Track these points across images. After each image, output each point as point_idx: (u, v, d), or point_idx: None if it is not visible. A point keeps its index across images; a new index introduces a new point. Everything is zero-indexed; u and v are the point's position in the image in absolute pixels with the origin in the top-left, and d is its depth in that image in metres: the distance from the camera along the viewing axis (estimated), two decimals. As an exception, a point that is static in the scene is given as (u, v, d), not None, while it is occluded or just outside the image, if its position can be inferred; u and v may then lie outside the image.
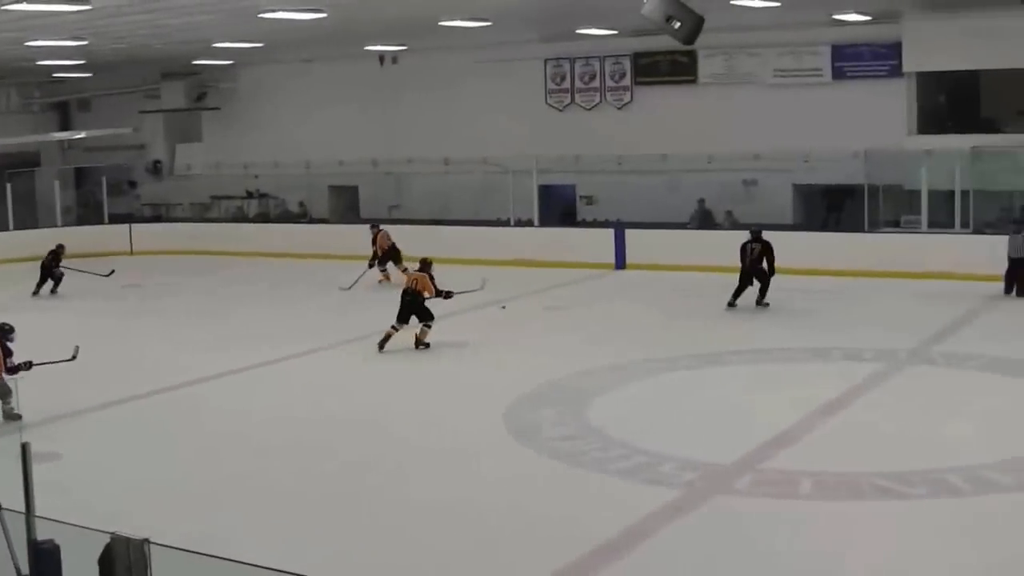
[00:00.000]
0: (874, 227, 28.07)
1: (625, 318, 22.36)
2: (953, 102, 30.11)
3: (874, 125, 28.11)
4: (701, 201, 30.48)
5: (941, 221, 27.83)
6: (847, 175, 28.53)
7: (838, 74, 30.05)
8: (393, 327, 19.45)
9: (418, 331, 19.54)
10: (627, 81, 32.93)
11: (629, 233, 29.03)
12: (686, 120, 31.11)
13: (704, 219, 30.41)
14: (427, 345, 19.51)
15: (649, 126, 31.74)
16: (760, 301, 22.33)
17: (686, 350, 18.94)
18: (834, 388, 16.11)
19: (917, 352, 18.40)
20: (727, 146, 30.17)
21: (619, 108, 33.10)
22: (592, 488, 12.60)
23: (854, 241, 26.31)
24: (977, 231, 27.13)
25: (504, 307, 22.53)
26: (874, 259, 25.39)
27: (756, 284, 22.36)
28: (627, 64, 32.78)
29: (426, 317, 19.52)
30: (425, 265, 20.16)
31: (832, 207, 30.39)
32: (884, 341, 19.08)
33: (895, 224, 28.24)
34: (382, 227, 27.98)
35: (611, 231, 29.43)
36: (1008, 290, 23.23)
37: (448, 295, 20.20)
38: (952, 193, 27.64)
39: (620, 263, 28.72)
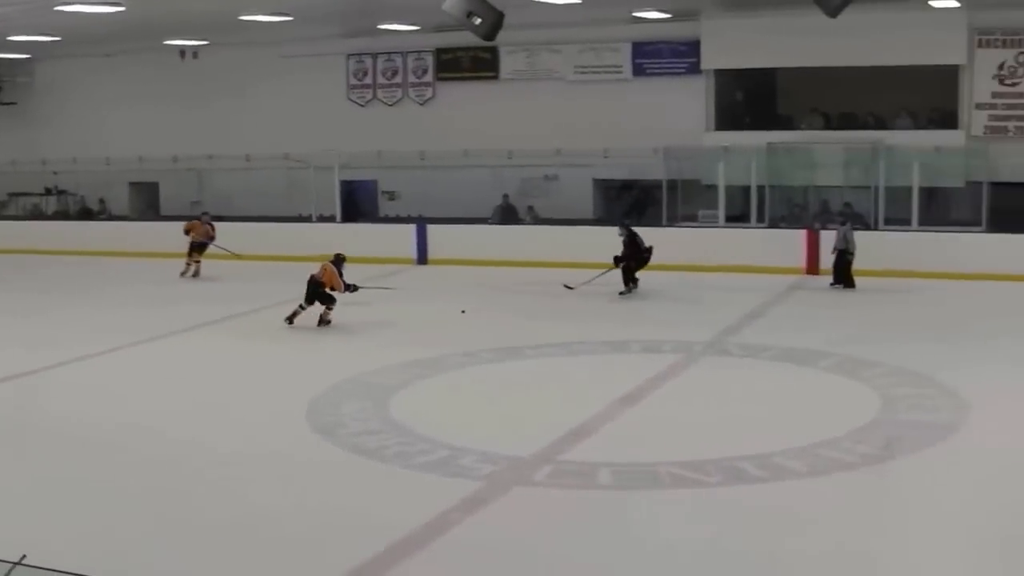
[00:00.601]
0: (672, 221, 28.59)
1: (426, 313, 22.28)
2: (750, 99, 30.88)
3: (673, 121, 28.67)
4: (505, 196, 30.63)
5: (738, 215, 28.48)
6: (647, 170, 28.95)
7: (638, 71, 30.53)
8: (301, 306, 20.68)
9: (322, 311, 20.61)
10: (429, 77, 32.96)
11: (431, 228, 29.00)
12: (488, 116, 31.26)
13: (506, 214, 30.55)
14: (328, 322, 20.62)
15: (451, 122, 31.81)
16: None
17: (487, 344, 18.95)
18: (632, 380, 16.26)
19: (713, 344, 18.76)
20: (529, 142, 30.35)
21: (421, 104, 33.11)
22: (394, 482, 12.48)
23: (653, 235, 26.66)
24: (772, 225, 27.84)
25: (464, 312, 21.80)
26: (672, 253, 25.74)
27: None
28: (429, 60, 32.82)
29: (327, 301, 20.60)
30: (338, 260, 20.84)
31: (637, 203, 30.83)
32: (682, 333, 19.40)
33: (693, 218, 28.79)
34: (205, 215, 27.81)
35: (412, 226, 29.37)
36: (836, 281, 23.91)
37: (353, 289, 20.79)
38: (748, 188, 28.30)
39: (421, 258, 28.67)
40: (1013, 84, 27.83)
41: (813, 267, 25.03)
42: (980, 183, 27.71)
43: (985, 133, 28.12)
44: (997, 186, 27.81)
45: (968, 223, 27.39)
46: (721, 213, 28.50)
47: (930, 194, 28.40)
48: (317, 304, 20.64)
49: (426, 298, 23.91)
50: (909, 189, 27.59)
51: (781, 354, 17.99)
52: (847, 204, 28.29)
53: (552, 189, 30.88)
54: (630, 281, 23.04)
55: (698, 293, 23.26)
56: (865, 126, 29.49)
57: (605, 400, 15.17)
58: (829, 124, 29.93)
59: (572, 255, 25.41)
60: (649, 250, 23.09)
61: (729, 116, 30.06)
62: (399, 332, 20.38)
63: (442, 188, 31.04)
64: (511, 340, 19.23)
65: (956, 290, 23.53)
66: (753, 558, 10.21)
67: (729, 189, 28.69)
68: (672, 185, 28.98)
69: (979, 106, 28.20)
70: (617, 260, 23.01)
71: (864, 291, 23.33)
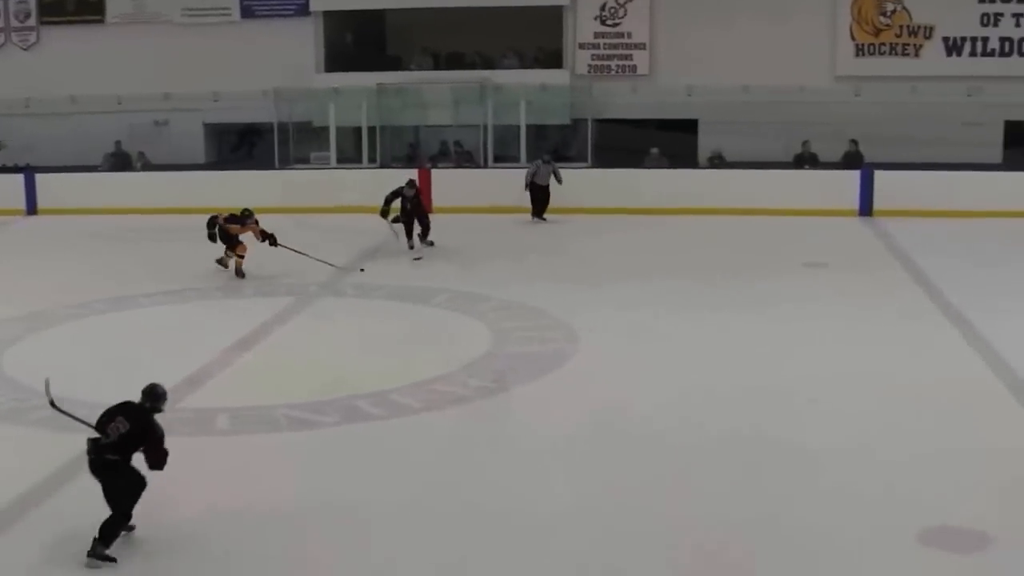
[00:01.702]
0: (285, 164, 28.55)
1: (37, 265, 21.55)
2: (359, 40, 31.07)
3: (283, 63, 28.54)
4: (117, 143, 29.73)
5: (350, 156, 28.68)
6: (257, 114, 28.75)
7: (247, 12, 30.22)
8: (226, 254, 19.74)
9: (234, 260, 19.67)
10: (32, 21, 31.57)
11: (40, 178, 27.90)
12: (95, 61, 30.16)
13: (119, 161, 29.71)
14: (242, 275, 19.61)
15: (58, 67, 30.52)
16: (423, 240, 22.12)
17: (100, 294, 18.50)
18: (247, 325, 16.33)
19: (328, 285, 18.93)
20: (138, 86, 29.57)
21: (25, 49, 31.67)
22: (8, 440, 12.16)
23: (264, 179, 26.60)
24: (384, 165, 28.17)
25: (363, 270, 20.18)
26: (286, 196, 25.74)
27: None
28: (32, 3, 31.43)
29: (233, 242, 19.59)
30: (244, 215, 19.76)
31: (241, 145, 30.59)
32: (296, 276, 19.45)
33: (305, 160, 28.83)
34: None
35: (20, 176, 28.20)
36: (536, 214, 24.87)
37: (272, 241, 19.65)
38: (360, 129, 28.52)
39: (31, 208, 27.59)
40: (614, 24, 29.06)
41: (427, 205, 25.40)
42: (585, 120, 28.86)
43: (589, 72, 29.29)
44: (601, 123, 29.06)
45: (574, 159, 28.49)
46: (333, 155, 28.64)
47: (537, 131, 29.34)
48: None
49: (36, 250, 23.15)
50: (517, 127, 28.42)
51: (394, 292, 18.35)
52: (457, 143, 28.95)
53: (163, 135, 30.21)
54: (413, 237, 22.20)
55: (313, 235, 23.23)
56: (473, 66, 30.15)
57: (220, 346, 15.17)
58: (438, 64, 30.47)
59: (184, 201, 25.12)
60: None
61: (339, 57, 30.14)
62: (6, 284, 19.61)
63: (50, 136, 29.82)
64: (125, 290, 18.83)
65: (569, 225, 24.64)
66: (370, 494, 10.49)
67: (341, 131, 28.85)
68: (283, 128, 28.89)
69: (582, 46, 29.31)
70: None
71: (475, 228, 23.97)
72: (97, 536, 9.09)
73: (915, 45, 28.38)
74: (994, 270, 19.61)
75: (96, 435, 9.29)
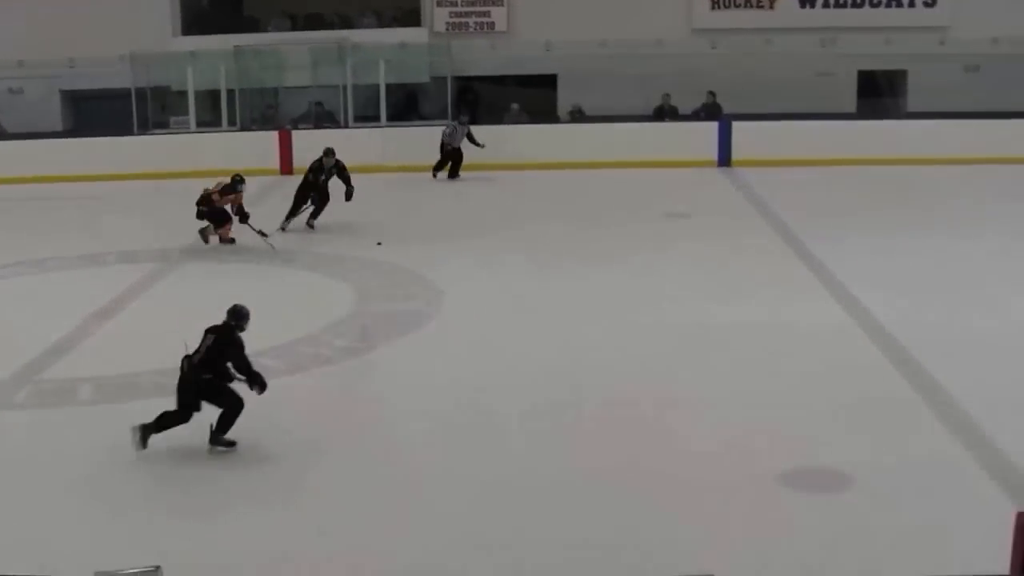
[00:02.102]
0: (144, 129, 28.15)
1: None
2: (216, 2, 30.68)
3: (139, 27, 28.01)
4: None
5: (209, 120, 28.37)
6: (114, 79, 28.24)
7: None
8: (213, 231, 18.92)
9: (220, 232, 18.92)
10: None
11: None
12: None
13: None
14: (232, 240, 18.95)
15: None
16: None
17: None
18: (109, 293, 16.14)
19: (189, 250, 18.74)
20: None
21: None
22: None
23: (123, 145, 26.21)
24: (245, 128, 27.94)
25: (380, 243, 19.02)
26: (146, 161, 25.42)
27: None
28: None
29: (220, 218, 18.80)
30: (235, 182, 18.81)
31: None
32: (159, 241, 19.27)
33: (165, 125, 28.46)
34: None
35: None
36: (438, 173, 25.03)
37: (243, 218, 18.78)
38: (218, 92, 28.22)
39: None
40: (470, -20, 29.08)
41: (287, 168, 25.31)
42: (444, 78, 28.86)
43: (447, 29, 29.26)
44: (460, 80, 29.10)
45: (434, 117, 28.50)
46: (192, 119, 28.28)
47: (397, 91, 29.27)
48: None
49: None
50: (377, 86, 28.32)
51: (258, 256, 18.26)
52: (318, 103, 28.79)
53: (17, 103, 29.51)
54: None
55: (173, 200, 22.90)
56: (331, 26, 29.97)
57: (82, 315, 14.99)
58: (296, 25, 30.24)
59: (40, 169, 24.72)
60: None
61: (196, 20, 29.74)
62: None
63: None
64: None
65: (432, 182, 24.84)
66: (233, 461, 10.52)
67: (199, 94, 28.47)
68: (141, 93, 28.46)
69: (440, 3, 29.28)
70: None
71: (336, 189, 23.86)
72: (214, 426, 10.38)
73: (769, -3, 28.83)
74: (850, 217, 20.09)
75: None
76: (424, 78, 29.34)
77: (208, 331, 10.65)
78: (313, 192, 20.33)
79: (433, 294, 15.78)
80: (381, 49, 28.29)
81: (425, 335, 14.19)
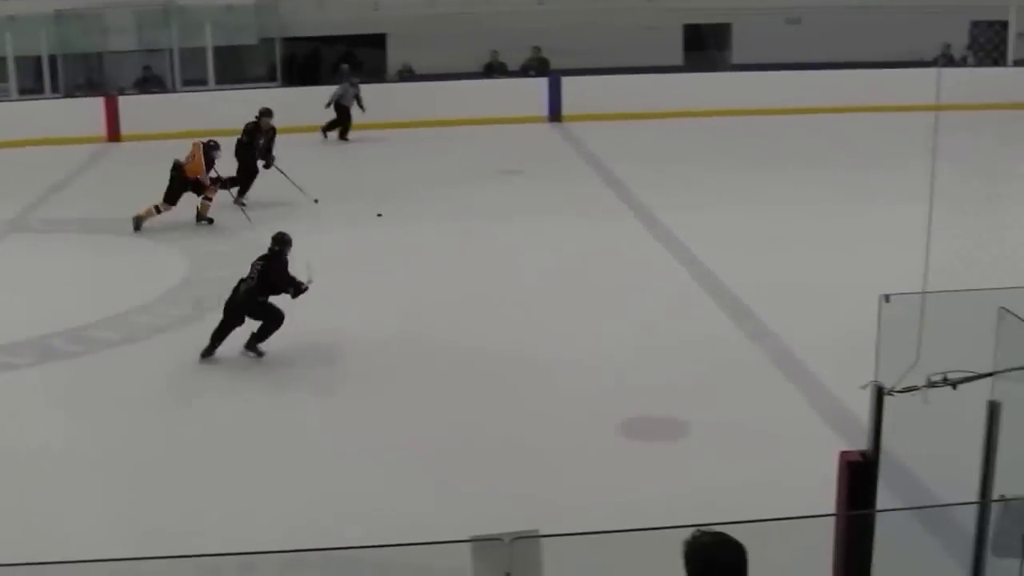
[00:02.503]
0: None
1: None
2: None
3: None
4: None
5: (31, 87, 27.68)
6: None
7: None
8: (156, 207, 17.61)
9: (198, 204, 17.87)
10: None
11: None
12: None
13: None
14: (210, 220, 17.89)
15: None
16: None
17: None
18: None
19: (15, 221, 18.29)
20: None
21: None
22: None
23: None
24: (68, 94, 27.32)
25: (380, 215, 18.09)
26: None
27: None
28: None
29: (200, 190, 17.89)
30: (211, 146, 17.94)
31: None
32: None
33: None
34: None
35: None
36: (341, 136, 24.76)
37: (224, 184, 18.20)
38: (39, 58, 27.53)
39: None
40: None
41: (114, 134, 24.84)
42: (273, 39, 28.56)
43: (275, -10, 28.95)
44: (289, 41, 28.82)
45: (263, 79, 28.20)
46: (13, 86, 27.51)
47: (226, 53, 28.83)
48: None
49: None
50: (204, 49, 27.88)
51: (86, 226, 17.88)
52: (147, 67, 28.23)
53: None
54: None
55: (9, 169, 22.31)
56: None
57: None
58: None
59: None
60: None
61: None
62: None
63: None
64: None
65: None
66: (73, 433, 10.37)
67: (20, 60, 27.68)
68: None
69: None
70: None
71: (167, 155, 23.43)
72: (255, 333, 11.99)
73: (595, -48, 29.01)
74: (680, 167, 20.47)
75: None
76: (252, 40, 28.94)
77: (258, 259, 12.11)
78: (256, 157, 19.31)
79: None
80: (208, 11, 27.84)
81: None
